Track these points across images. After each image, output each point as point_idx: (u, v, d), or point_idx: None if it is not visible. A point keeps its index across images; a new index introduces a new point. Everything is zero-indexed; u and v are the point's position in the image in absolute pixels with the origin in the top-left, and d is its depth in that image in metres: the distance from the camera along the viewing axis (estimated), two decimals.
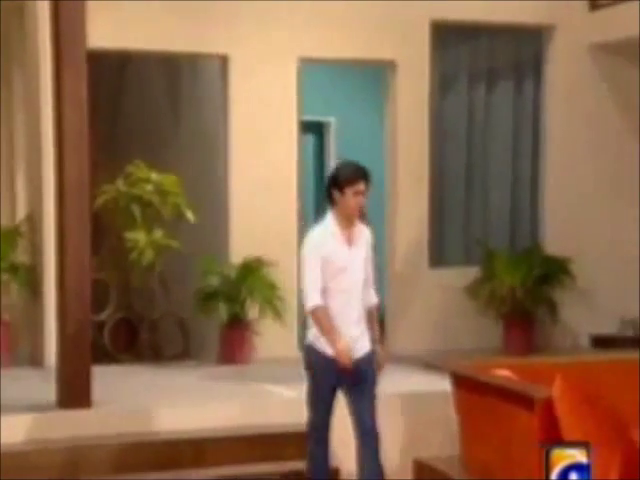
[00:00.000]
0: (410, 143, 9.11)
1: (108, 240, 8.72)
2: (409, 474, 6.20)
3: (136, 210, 8.40)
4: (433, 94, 9.32)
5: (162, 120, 9.81)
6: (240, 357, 8.43)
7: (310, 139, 10.38)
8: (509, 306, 9.10)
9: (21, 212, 8.69)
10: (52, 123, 6.98)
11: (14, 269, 8.28)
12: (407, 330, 9.00)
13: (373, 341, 5.75)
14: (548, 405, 4.99)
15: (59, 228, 6.83)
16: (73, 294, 6.72)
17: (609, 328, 9.50)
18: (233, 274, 8.48)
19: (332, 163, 10.29)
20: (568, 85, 9.59)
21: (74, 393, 6.72)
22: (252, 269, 8.44)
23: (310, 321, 5.69)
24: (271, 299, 8.40)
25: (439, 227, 9.53)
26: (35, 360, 8.29)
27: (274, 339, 8.55)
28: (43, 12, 7.55)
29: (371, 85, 10.05)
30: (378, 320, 5.92)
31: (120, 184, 8.44)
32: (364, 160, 9.23)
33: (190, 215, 8.40)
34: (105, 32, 7.69)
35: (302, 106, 8.94)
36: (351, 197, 5.57)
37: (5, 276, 8.24)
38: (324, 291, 5.57)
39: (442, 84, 9.55)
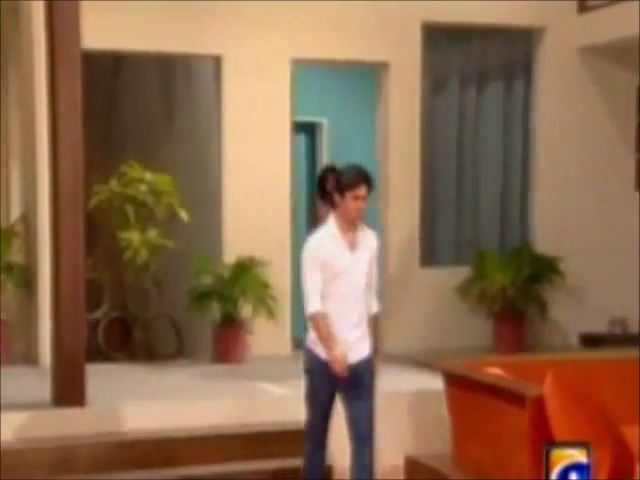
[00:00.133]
0: (402, 144, 9.15)
1: (102, 240, 8.72)
2: (401, 472, 6.18)
3: (130, 210, 8.41)
4: (425, 95, 9.36)
5: (156, 120, 9.80)
6: (233, 356, 8.44)
7: (302, 139, 10.38)
8: (500, 305, 9.16)
9: (15, 212, 8.69)
10: (47, 123, 6.97)
11: (9, 268, 8.30)
12: (399, 329, 9.03)
13: (373, 350, 5.68)
14: (539, 403, 4.98)
15: (54, 228, 6.83)
16: (67, 293, 6.72)
17: (598, 326, 9.57)
18: (226, 273, 8.51)
19: (324, 163, 10.29)
20: (558, 86, 9.64)
21: (68, 391, 6.73)
22: (245, 268, 8.47)
23: (310, 324, 5.65)
24: (264, 298, 8.43)
25: (430, 227, 9.57)
26: (30, 359, 8.31)
27: (267, 338, 8.59)
28: (38, 12, 7.53)
29: (363, 86, 10.04)
30: (376, 329, 5.81)
31: (114, 184, 8.45)
32: (356, 160, 9.32)
33: (184, 215, 8.40)
34: (99, 33, 7.70)
35: (295, 107, 8.97)
36: (351, 201, 5.52)
37: (0, 275, 8.25)
38: (323, 294, 5.53)
39: (434, 85, 9.58)
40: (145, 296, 8.84)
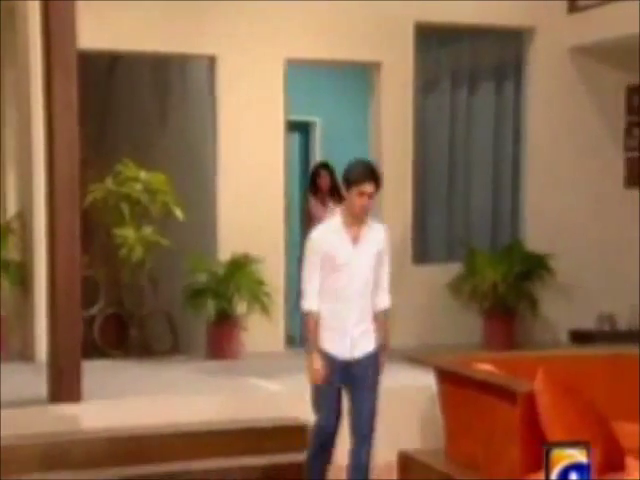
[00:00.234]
0: (394, 143, 9.19)
1: (98, 237, 8.75)
2: (394, 467, 6.15)
3: (125, 208, 8.43)
4: (417, 95, 9.39)
5: (151, 120, 9.80)
6: (228, 352, 8.47)
7: (296, 138, 10.41)
8: (491, 301, 9.19)
9: (11, 209, 8.71)
10: (43, 122, 6.98)
11: (5, 265, 8.32)
12: (391, 325, 9.07)
13: (378, 346, 5.67)
14: (530, 399, 4.99)
15: (50, 225, 6.84)
16: (64, 290, 6.73)
17: (587, 323, 9.63)
18: (221, 271, 8.54)
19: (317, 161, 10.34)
20: (548, 86, 9.68)
21: (65, 388, 6.74)
22: (240, 266, 8.50)
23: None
24: (258, 295, 8.47)
25: (422, 225, 9.60)
26: (26, 355, 8.33)
27: (261, 334, 8.62)
28: (34, 13, 7.55)
29: (356, 86, 10.08)
30: (385, 325, 5.75)
31: (109, 182, 8.46)
32: (347, 159, 9.38)
33: (179, 213, 8.41)
34: (94, 33, 7.68)
35: (289, 106, 8.99)
36: (356, 197, 5.45)
37: None
38: (324, 287, 5.50)
39: (425, 85, 9.61)
40: (140, 293, 8.84)
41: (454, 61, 9.84)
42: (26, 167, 8.38)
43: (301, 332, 9.64)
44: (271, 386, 7.45)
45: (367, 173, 5.50)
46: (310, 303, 5.54)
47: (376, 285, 5.61)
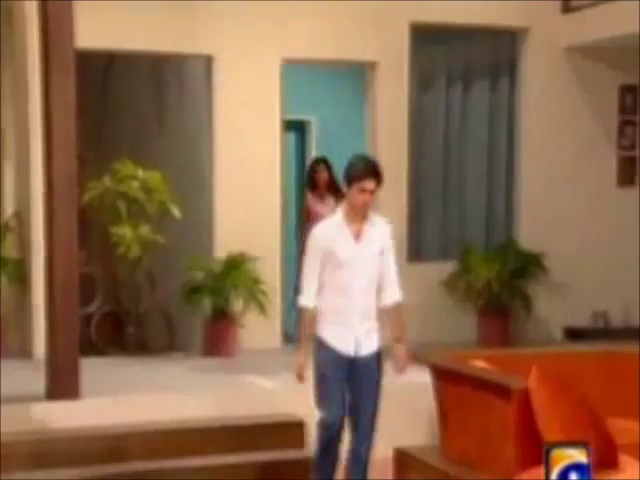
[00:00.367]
0: (389, 142, 9.20)
1: (95, 235, 8.73)
2: (390, 463, 6.16)
3: (122, 206, 8.43)
4: (412, 94, 9.41)
5: (148, 118, 9.79)
6: (224, 349, 8.49)
7: (292, 137, 10.43)
8: (485, 299, 9.24)
9: (9, 208, 8.70)
10: (40, 121, 6.98)
11: (3, 263, 8.32)
12: (386, 323, 9.10)
13: (394, 339, 5.64)
14: (524, 395, 5.01)
15: (48, 223, 6.86)
16: (61, 288, 6.75)
17: (581, 320, 9.68)
18: (218, 269, 8.55)
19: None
20: (542, 85, 9.71)
21: (62, 385, 6.77)
22: (236, 264, 8.52)
23: (317, 314, 5.56)
24: (255, 293, 8.48)
25: (417, 223, 9.62)
26: (24, 352, 8.33)
27: (257, 332, 8.65)
28: (31, 12, 7.56)
29: (352, 85, 10.11)
30: (399, 317, 5.72)
31: (107, 181, 8.47)
32: (344, 158, 9.38)
33: (176, 211, 8.42)
34: (92, 32, 7.67)
35: (285, 105, 9.01)
36: (357, 193, 5.41)
37: None
38: (326, 284, 5.47)
39: (421, 84, 9.63)
40: (137, 291, 8.86)
41: (449, 61, 9.87)
42: (24, 165, 8.38)
43: (297, 329, 9.72)
44: (268, 383, 7.48)
45: (368, 169, 5.46)
46: (306, 299, 5.53)
47: (384, 280, 5.57)
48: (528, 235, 9.64)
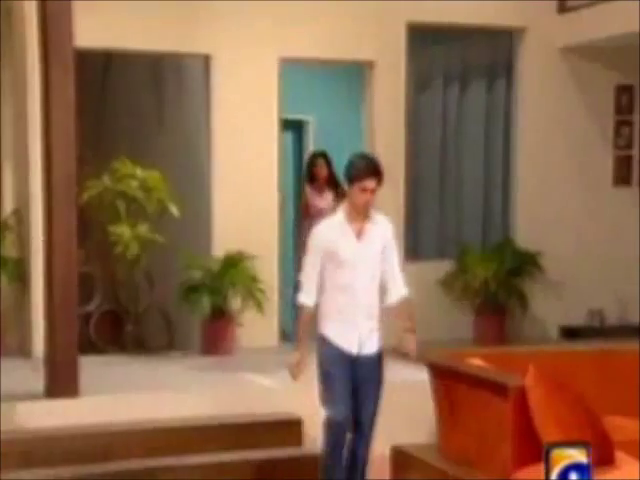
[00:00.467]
0: (387, 141, 9.21)
1: (94, 234, 8.73)
2: (387, 461, 6.12)
3: (121, 205, 8.44)
4: (409, 94, 9.43)
5: (146, 118, 9.78)
6: (222, 348, 8.51)
7: (290, 137, 10.45)
8: (482, 298, 9.26)
9: (8, 206, 8.70)
10: (39, 119, 7.00)
11: (3, 262, 8.33)
12: (383, 322, 9.11)
13: (406, 330, 5.61)
14: (521, 393, 5.01)
15: (47, 222, 6.87)
16: (61, 287, 6.76)
17: (576, 319, 9.71)
18: (216, 267, 8.57)
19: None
20: (539, 85, 9.74)
21: (62, 383, 6.79)
22: (234, 262, 8.54)
23: (319, 313, 5.56)
24: (252, 291, 8.50)
25: (414, 222, 9.65)
26: (23, 350, 8.36)
27: (256, 330, 8.67)
28: (31, 12, 7.58)
29: (349, 85, 10.12)
30: (409, 310, 5.70)
31: (105, 180, 8.48)
32: (341, 157, 9.41)
33: (174, 210, 8.43)
34: (90, 32, 7.67)
35: (283, 105, 9.03)
36: (358, 193, 5.39)
37: None
38: (329, 283, 5.45)
39: (418, 84, 9.66)
40: (136, 289, 8.87)
41: (446, 61, 9.91)
42: (23, 164, 8.39)
43: (295, 326, 9.74)
44: (265, 381, 7.50)
45: (369, 168, 5.44)
46: (305, 297, 5.52)
47: (387, 278, 5.55)
48: (524, 234, 9.67)
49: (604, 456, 4.80)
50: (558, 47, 9.67)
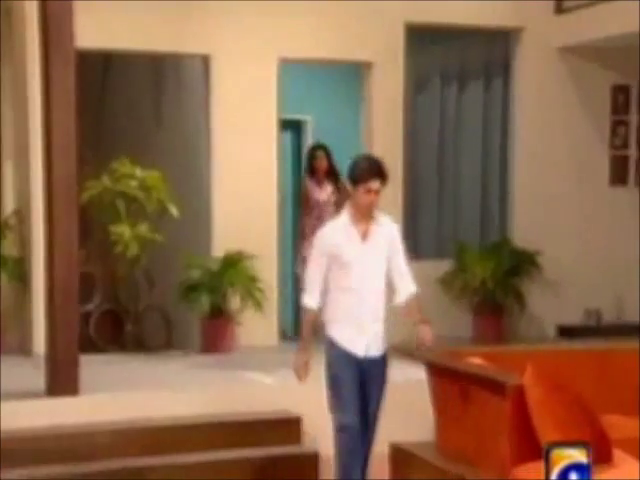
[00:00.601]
0: (385, 141, 9.21)
1: (94, 234, 8.77)
2: (386, 459, 6.07)
3: (121, 205, 8.46)
4: (407, 94, 9.46)
5: (146, 118, 9.82)
6: (222, 346, 8.53)
7: (288, 136, 10.47)
8: (480, 297, 9.30)
9: (9, 206, 8.73)
10: (40, 119, 7.01)
11: (3, 261, 8.34)
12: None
13: (419, 322, 5.63)
14: (519, 392, 5.01)
15: (48, 222, 6.89)
16: (61, 286, 6.78)
17: (573, 318, 9.74)
18: (215, 267, 8.59)
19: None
20: (536, 85, 9.77)
21: (62, 381, 6.81)
22: (233, 262, 8.56)
23: (326, 315, 5.53)
24: (252, 290, 8.53)
25: (413, 222, 9.68)
26: (24, 349, 8.39)
27: (255, 329, 8.70)
28: (31, 12, 7.60)
29: (347, 85, 10.14)
30: (418, 306, 5.69)
31: (105, 180, 8.50)
32: (339, 157, 9.45)
33: (173, 210, 8.45)
34: (89, 32, 7.66)
35: (281, 105, 9.05)
36: (363, 194, 5.37)
37: None
38: (335, 285, 5.42)
39: (416, 84, 9.72)
40: (136, 289, 8.89)
41: (444, 61, 9.96)
42: (24, 164, 8.41)
43: (295, 326, 9.76)
44: (265, 379, 7.54)
45: (373, 169, 5.42)
46: (309, 299, 5.50)
47: (394, 277, 5.54)
48: (522, 234, 9.70)
49: (602, 454, 4.78)
50: (555, 47, 9.70)
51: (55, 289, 6.81)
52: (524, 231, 9.73)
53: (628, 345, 6.41)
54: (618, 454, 4.98)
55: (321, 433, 6.44)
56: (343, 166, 9.05)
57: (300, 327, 5.75)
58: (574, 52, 9.72)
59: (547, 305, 9.70)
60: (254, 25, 8.87)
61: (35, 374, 7.12)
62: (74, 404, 6.76)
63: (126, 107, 10.03)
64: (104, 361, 8.23)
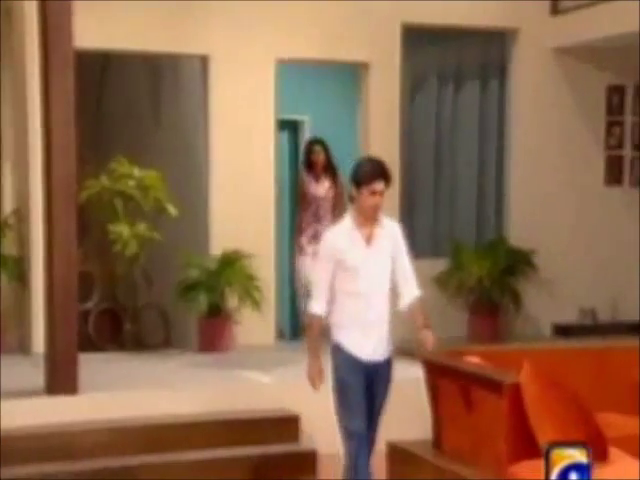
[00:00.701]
0: (382, 141, 9.21)
1: (93, 233, 8.79)
2: (383, 457, 6.13)
3: (119, 204, 8.48)
4: (404, 94, 9.48)
5: (144, 118, 9.84)
6: (219, 345, 8.54)
7: (285, 137, 10.48)
8: (476, 296, 9.32)
9: (8, 205, 8.73)
10: (40, 120, 7.02)
11: (3, 261, 8.35)
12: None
13: (422, 327, 5.54)
14: (516, 390, 5.05)
15: (47, 221, 6.90)
16: (61, 285, 6.79)
17: (569, 317, 9.77)
18: (213, 266, 8.60)
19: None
20: (532, 86, 9.79)
21: (61, 380, 6.83)
22: (231, 261, 8.57)
23: (332, 320, 5.44)
24: (249, 290, 8.53)
25: (409, 221, 9.61)
26: (24, 348, 8.40)
27: (252, 328, 8.70)
28: (31, 12, 7.63)
29: (344, 85, 10.13)
30: (422, 310, 5.61)
31: (104, 179, 8.51)
32: (336, 157, 9.45)
33: (171, 209, 8.46)
34: (88, 32, 7.68)
35: (279, 105, 9.06)
36: (367, 197, 5.28)
37: None
38: (340, 290, 5.33)
39: (412, 85, 9.72)
40: (134, 288, 8.91)
41: (440, 61, 9.95)
42: (23, 163, 8.42)
43: (292, 326, 9.79)
44: (262, 378, 7.56)
45: (376, 171, 5.34)
46: (316, 306, 5.39)
47: (398, 280, 5.47)
48: (517, 233, 9.72)
49: (598, 452, 4.79)
50: (550, 48, 9.72)
51: (54, 288, 6.82)
52: (520, 230, 9.74)
53: (624, 343, 6.50)
54: (614, 452, 5.02)
55: (319, 431, 6.53)
56: (340, 166, 9.12)
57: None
58: (569, 53, 9.75)
59: (543, 304, 9.73)
60: (252, 26, 8.88)
61: (34, 373, 7.14)
62: (73, 402, 6.78)
63: (124, 107, 10.04)
64: (103, 359, 8.25)
